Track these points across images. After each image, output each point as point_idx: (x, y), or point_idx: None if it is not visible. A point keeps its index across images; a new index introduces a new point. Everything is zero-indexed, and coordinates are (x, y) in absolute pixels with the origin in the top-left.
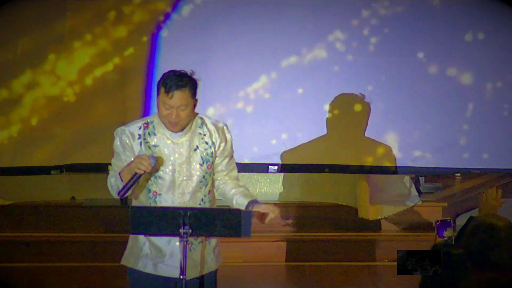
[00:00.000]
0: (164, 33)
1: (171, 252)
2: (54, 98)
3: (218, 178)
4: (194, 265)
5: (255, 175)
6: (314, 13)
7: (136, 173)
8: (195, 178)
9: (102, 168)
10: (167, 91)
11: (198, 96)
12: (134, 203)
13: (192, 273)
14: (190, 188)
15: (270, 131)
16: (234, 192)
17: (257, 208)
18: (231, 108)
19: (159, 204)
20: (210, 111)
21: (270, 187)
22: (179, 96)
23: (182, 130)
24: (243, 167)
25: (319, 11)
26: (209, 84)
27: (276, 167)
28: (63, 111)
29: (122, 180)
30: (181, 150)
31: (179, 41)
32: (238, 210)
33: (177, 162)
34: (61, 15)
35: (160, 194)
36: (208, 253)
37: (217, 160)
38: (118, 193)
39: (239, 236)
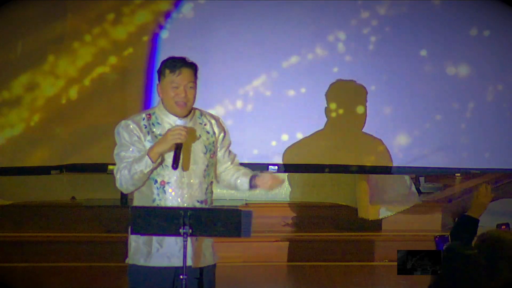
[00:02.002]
0: (164, 33)
1: (182, 242)
2: (54, 98)
3: (224, 171)
4: (193, 255)
5: None
6: (315, 13)
7: (177, 144)
8: (200, 166)
9: (102, 168)
10: (174, 70)
11: (197, 95)
12: (137, 196)
13: (197, 262)
14: (197, 176)
15: (270, 131)
16: (236, 177)
17: (259, 179)
18: (231, 109)
19: (167, 194)
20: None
21: None
22: (187, 73)
23: (186, 116)
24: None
25: (320, 11)
26: (209, 85)
27: (276, 167)
28: (63, 111)
29: (153, 162)
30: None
31: (179, 41)
32: (238, 210)
33: (183, 148)
34: (61, 15)
35: (168, 183)
36: (206, 247)
37: (220, 153)
38: (174, 168)
39: (239, 236)
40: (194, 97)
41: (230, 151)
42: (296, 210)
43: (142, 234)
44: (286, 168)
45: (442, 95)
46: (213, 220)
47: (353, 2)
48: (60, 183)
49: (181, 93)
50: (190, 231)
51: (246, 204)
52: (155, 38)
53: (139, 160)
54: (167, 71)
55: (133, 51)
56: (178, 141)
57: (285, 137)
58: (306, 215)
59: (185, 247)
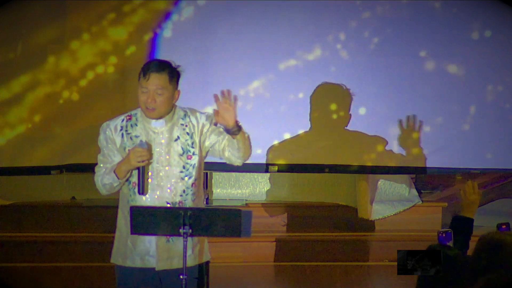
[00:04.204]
0: (164, 33)
1: (152, 244)
2: (54, 98)
3: (223, 147)
4: (168, 257)
5: (255, 175)
6: (316, 14)
7: (138, 168)
8: (174, 168)
9: None
10: (145, 74)
11: (197, 95)
12: (120, 194)
13: (164, 265)
14: (169, 178)
15: (271, 132)
16: (227, 146)
17: (218, 119)
18: None
19: (137, 195)
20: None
21: (270, 187)
22: (155, 78)
23: (161, 118)
24: (243, 167)
25: (321, 12)
26: (209, 85)
27: (276, 167)
28: (63, 111)
29: (118, 178)
30: (161, 140)
31: (179, 41)
32: (238, 210)
33: (156, 151)
34: (61, 15)
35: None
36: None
37: (208, 142)
38: (140, 193)
39: (239, 236)
40: (166, 102)
41: (219, 132)
42: (296, 210)
43: (141, 234)
44: (286, 168)
45: (443, 95)
46: (213, 220)
47: (353, 3)
48: (60, 183)
49: (149, 98)
50: (190, 231)
51: (246, 204)
52: (155, 38)
53: (110, 173)
54: (141, 75)
55: (133, 51)
56: (141, 164)
57: (287, 137)
58: (306, 215)
59: (185, 247)
